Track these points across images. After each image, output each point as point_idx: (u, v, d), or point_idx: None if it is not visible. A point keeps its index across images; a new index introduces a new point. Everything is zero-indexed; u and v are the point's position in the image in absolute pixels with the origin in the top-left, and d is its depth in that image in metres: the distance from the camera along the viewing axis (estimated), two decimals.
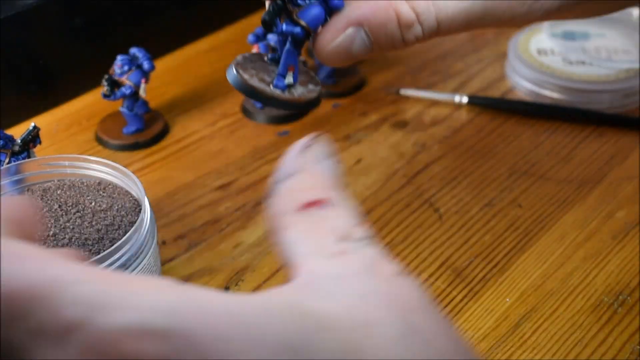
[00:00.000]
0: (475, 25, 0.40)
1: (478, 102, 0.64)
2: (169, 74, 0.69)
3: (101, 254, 0.40)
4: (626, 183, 0.55)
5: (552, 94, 0.64)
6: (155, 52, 0.62)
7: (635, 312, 0.45)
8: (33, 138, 0.52)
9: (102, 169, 0.48)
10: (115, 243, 0.41)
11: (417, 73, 0.68)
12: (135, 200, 0.46)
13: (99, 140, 0.60)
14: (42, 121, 0.62)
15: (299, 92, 0.41)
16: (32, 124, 0.52)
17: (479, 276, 0.48)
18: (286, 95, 0.40)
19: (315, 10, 0.39)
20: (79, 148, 0.60)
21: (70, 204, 0.46)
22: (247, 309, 0.22)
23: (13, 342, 0.22)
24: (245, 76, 0.39)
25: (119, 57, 0.59)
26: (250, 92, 0.39)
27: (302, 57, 0.62)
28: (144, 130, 0.61)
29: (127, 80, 0.58)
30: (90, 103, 0.65)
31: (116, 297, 0.21)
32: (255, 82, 0.39)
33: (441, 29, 0.40)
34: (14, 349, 0.22)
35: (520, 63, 0.65)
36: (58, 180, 0.48)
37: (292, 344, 0.21)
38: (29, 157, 0.52)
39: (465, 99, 0.63)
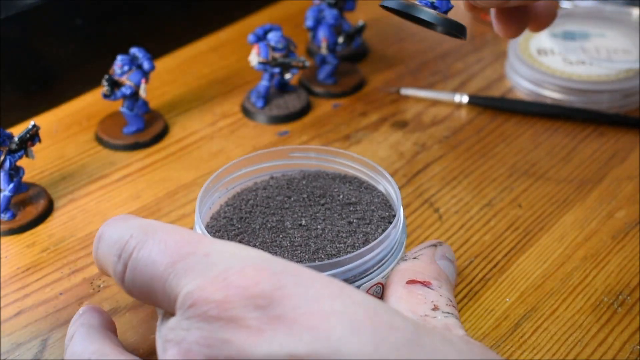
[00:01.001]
0: None
1: (478, 102, 0.64)
2: (169, 74, 0.69)
3: (362, 249, 0.40)
4: (626, 183, 0.55)
5: (552, 94, 0.64)
6: (155, 52, 0.62)
7: (635, 312, 0.45)
8: (32, 137, 0.52)
9: (347, 162, 0.48)
10: (368, 237, 0.42)
11: (417, 73, 0.68)
12: (383, 195, 0.46)
13: (99, 140, 0.60)
14: (42, 121, 0.62)
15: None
16: (32, 123, 0.52)
17: (479, 276, 0.48)
18: (432, 11, 0.43)
19: None
20: (79, 148, 0.60)
21: (318, 195, 0.46)
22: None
23: None
24: None
25: (119, 57, 0.59)
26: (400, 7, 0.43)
27: (303, 57, 0.62)
28: (144, 130, 0.61)
29: (127, 80, 0.58)
30: (90, 103, 0.65)
31: None
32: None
33: None
34: None
35: (520, 63, 0.65)
36: (301, 171, 0.48)
37: None
38: (26, 156, 0.52)
39: (465, 98, 0.63)
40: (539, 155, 0.58)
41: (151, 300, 0.32)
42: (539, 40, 0.68)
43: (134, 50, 0.59)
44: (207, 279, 0.30)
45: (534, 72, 0.64)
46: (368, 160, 0.47)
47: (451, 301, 0.38)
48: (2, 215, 0.52)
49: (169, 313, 0.32)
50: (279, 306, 0.29)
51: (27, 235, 0.52)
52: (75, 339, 0.36)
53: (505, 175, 0.56)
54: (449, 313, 0.37)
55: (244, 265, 0.30)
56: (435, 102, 0.64)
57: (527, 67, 0.65)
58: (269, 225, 0.45)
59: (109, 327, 0.39)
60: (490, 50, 0.72)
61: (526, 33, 0.69)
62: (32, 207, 0.53)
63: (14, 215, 0.52)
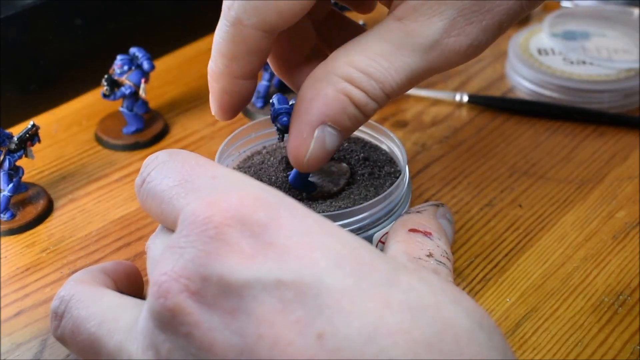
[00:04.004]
0: (420, 81, 0.41)
1: (479, 102, 0.63)
2: (169, 74, 0.68)
3: (373, 200, 0.44)
4: (626, 183, 0.55)
5: (552, 94, 0.64)
6: (155, 52, 0.62)
7: (635, 312, 0.45)
8: (31, 136, 0.52)
9: None
10: (377, 190, 0.46)
11: None
12: (387, 153, 0.49)
13: (99, 140, 0.60)
14: (42, 121, 0.62)
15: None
16: (31, 122, 0.52)
17: (479, 276, 0.48)
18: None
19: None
20: (78, 148, 0.60)
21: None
22: None
23: None
24: None
25: (119, 57, 0.59)
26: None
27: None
28: (143, 130, 0.61)
29: (127, 80, 0.58)
30: (90, 103, 0.65)
31: None
32: None
33: (392, 96, 0.40)
34: None
35: (520, 63, 0.65)
36: None
37: None
38: (26, 155, 0.52)
39: (465, 98, 0.63)
40: (539, 155, 0.58)
41: (158, 213, 0.34)
42: (539, 40, 0.68)
43: (133, 50, 0.59)
44: (209, 199, 0.31)
45: (534, 72, 0.64)
46: (372, 122, 0.49)
47: (447, 253, 0.40)
48: (2, 215, 0.52)
49: (170, 229, 0.34)
50: (272, 235, 0.30)
51: (26, 236, 0.52)
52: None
53: (506, 175, 0.56)
54: (441, 262, 0.39)
55: (246, 193, 0.32)
56: (435, 102, 0.64)
57: (528, 67, 0.65)
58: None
59: (109, 271, 0.40)
60: (490, 49, 0.71)
61: (527, 32, 0.69)
62: (31, 207, 0.53)
63: (13, 215, 0.52)
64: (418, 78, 0.40)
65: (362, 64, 0.39)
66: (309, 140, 0.40)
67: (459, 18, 0.39)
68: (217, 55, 0.42)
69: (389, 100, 0.40)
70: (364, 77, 0.39)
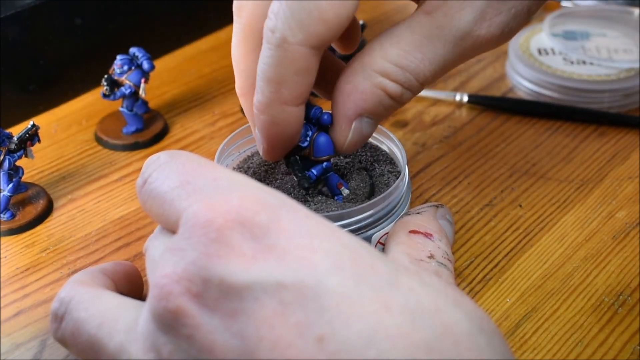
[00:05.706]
0: (453, 67, 0.42)
1: (478, 101, 0.63)
2: (169, 74, 0.68)
3: (376, 199, 0.44)
4: (627, 183, 0.55)
5: (552, 94, 0.64)
6: (155, 52, 0.62)
7: (636, 312, 0.45)
8: (31, 136, 0.52)
9: None
10: (378, 189, 0.46)
11: None
12: (387, 153, 0.50)
13: (99, 140, 0.60)
14: (42, 121, 0.62)
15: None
16: (31, 122, 0.52)
17: (479, 276, 0.48)
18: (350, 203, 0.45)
19: (321, 140, 0.43)
20: (78, 148, 0.60)
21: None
22: None
23: None
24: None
25: (119, 57, 0.59)
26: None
27: None
28: (143, 130, 0.61)
29: (127, 80, 0.58)
30: (90, 103, 0.65)
31: None
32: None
33: (427, 85, 0.42)
34: None
35: (520, 63, 0.65)
36: None
37: None
38: (26, 155, 0.52)
39: (465, 98, 0.63)
40: (539, 155, 0.58)
41: (159, 215, 0.34)
42: (540, 40, 0.68)
43: (133, 50, 0.59)
44: (211, 202, 0.31)
45: (534, 72, 0.64)
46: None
47: (447, 255, 0.40)
48: (2, 215, 0.52)
49: (170, 231, 0.34)
50: (273, 237, 0.30)
51: (26, 236, 0.52)
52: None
53: (506, 175, 0.56)
54: (442, 264, 0.39)
55: (247, 195, 0.32)
56: (435, 102, 0.64)
57: (528, 67, 0.65)
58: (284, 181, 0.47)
59: (109, 272, 0.40)
60: None
61: (527, 32, 0.69)
62: (31, 207, 0.53)
63: (13, 215, 0.52)
64: (450, 66, 0.41)
65: (397, 57, 0.40)
66: (347, 132, 0.42)
67: (488, 9, 0.40)
68: (264, 83, 0.39)
69: (423, 88, 0.42)
70: (399, 70, 0.40)
